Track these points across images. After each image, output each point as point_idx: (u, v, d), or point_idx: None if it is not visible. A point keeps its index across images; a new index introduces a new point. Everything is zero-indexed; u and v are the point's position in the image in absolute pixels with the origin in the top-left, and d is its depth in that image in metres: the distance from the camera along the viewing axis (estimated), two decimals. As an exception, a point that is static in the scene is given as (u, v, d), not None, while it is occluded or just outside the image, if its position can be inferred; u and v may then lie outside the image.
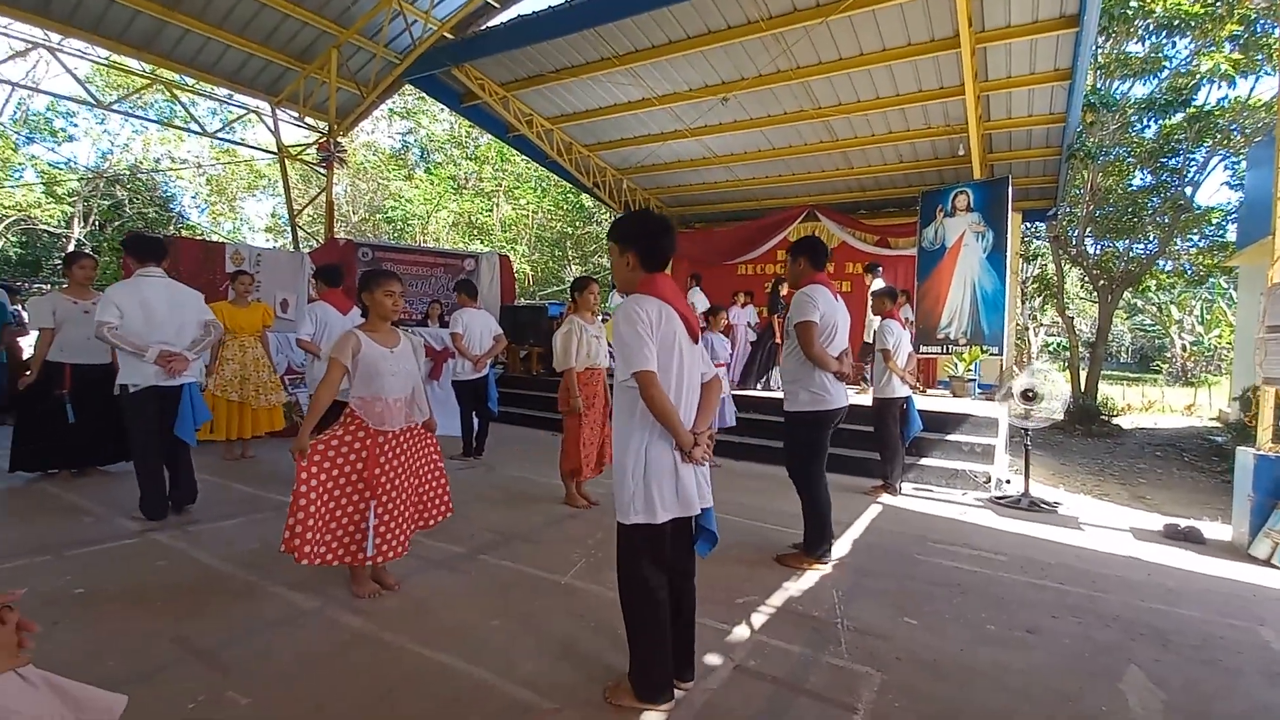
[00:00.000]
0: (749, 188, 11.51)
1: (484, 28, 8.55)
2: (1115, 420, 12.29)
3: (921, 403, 7.06)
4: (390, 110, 21.22)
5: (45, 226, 19.36)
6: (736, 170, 10.98)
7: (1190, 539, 4.34)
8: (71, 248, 19.72)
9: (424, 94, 12.70)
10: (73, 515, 3.92)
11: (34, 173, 18.50)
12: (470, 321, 5.77)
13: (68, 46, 8.74)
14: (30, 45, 8.63)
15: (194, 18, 7.93)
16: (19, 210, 18.02)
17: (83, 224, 20.14)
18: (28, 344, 8.06)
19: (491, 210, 22.06)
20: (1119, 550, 4.09)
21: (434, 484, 3.12)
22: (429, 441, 3.11)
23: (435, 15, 8.30)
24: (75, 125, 19.46)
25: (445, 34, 8.44)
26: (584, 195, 16.04)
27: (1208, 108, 11.26)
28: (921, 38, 7.18)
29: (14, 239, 19.18)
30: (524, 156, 13.40)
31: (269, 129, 10.40)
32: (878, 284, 8.03)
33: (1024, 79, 7.47)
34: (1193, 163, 11.90)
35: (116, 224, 20.66)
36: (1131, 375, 28.47)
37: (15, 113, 17.93)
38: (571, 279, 22.02)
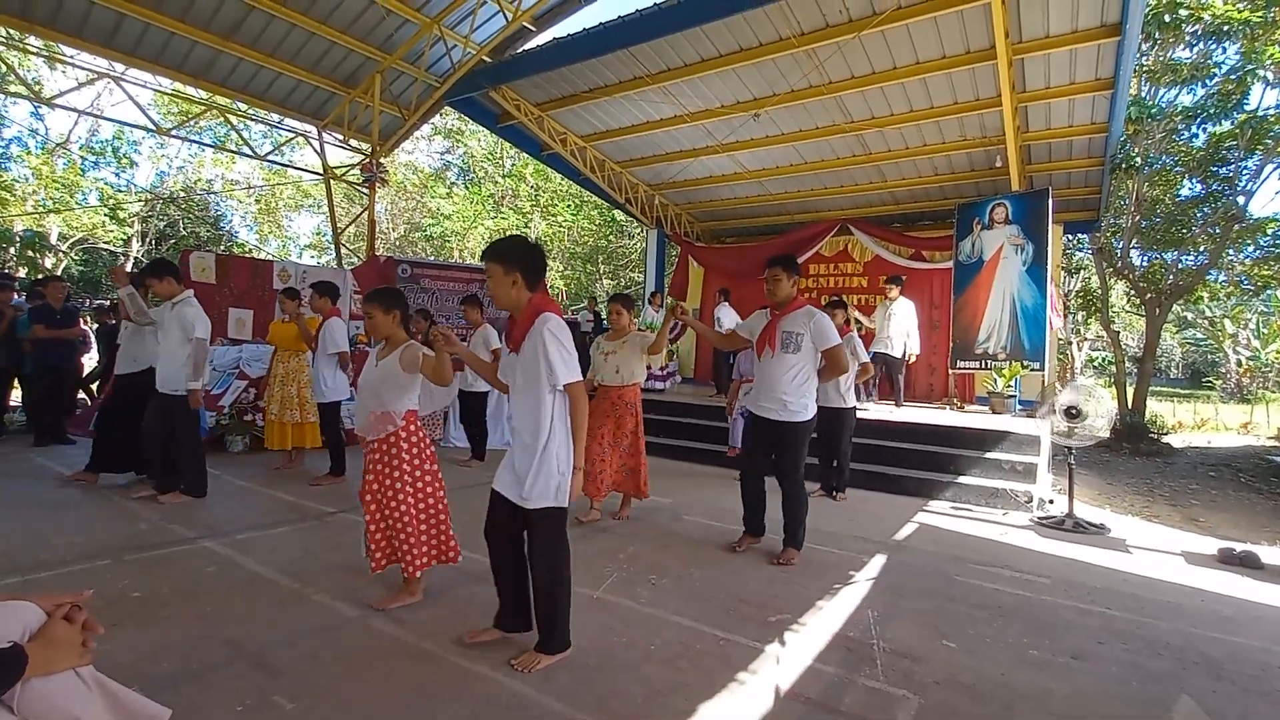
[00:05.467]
0: (781, 202, 11.49)
1: (520, 51, 8.80)
2: (1165, 438, 11.81)
3: (959, 419, 6.94)
4: (433, 129, 21.81)
5: (106, 246, 20.38)
6: (768, 185, 10.99)
7: (1247, 564, 4.15)
8: (129, 265, 20.76)
9: (463, 115, 13.06)
10: (130, 521, 4.10)
11: (97, 196, 19.54)
12: (493, 336, 6.12)
13: (130, 76, 9.27)
14: (96, 75, 9.18)
15: (248, 46, 8.35)
16: (85, 231, 19.02)
17: (141, 243, 21.18)
18: (89, 360, 8.48)
19: (527, 227, 22.42)
20: (1170, 575, 3.94)
21: (398, 514, 2.96)
22: (398, 460, 2.99)
23: (474, 40, 8.58)
24: (138, 151, 20.52)
25: (484, 58, 8.71)
26: (617, 211, 16.22)
27: (1260, 113, 10.87)
28: (957, 50, 7.12)
29: (77, 258, 20.23)
30: (559, 174, 13.64)
31: (315, 151, 10.83)
32: (898, 298, 8.02)
33: (1064, 89, 7.34)
34: (1245, 171, 11.45)
35: (171, 242, 21.70)
36: (1183, 391, 27.33)
37: (83, 139, 18.99)
38: (604, 293, 22.27)
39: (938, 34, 6.91)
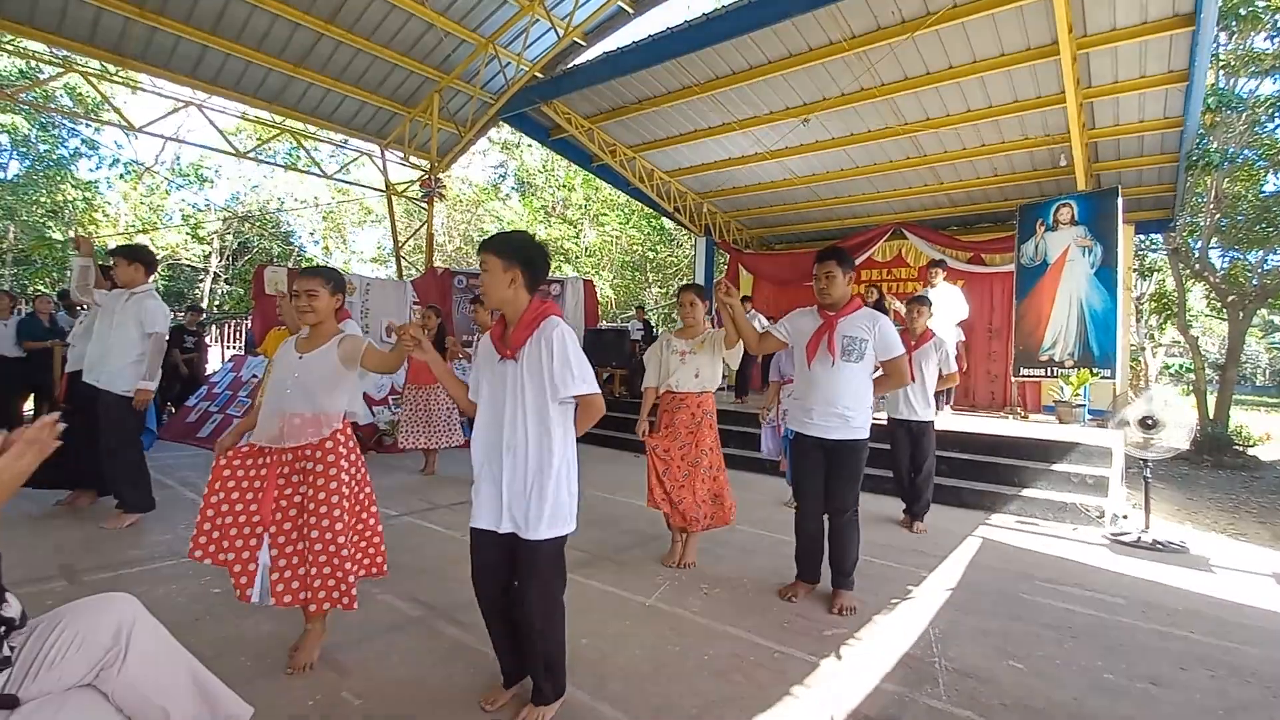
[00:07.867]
0: (832, 207, 11.33)
1: (571, 65, 8.98)
2: (1251, 450, 11.06)
3: (1023, 429, 6.66)
4: (490, 141, 22.42)
5: (188, 262, 21.82)
6: (819, 190, 10.85)
7: (1349, 588, 3.85)
8: (209, 281, 22.19)
9: (516, 130, 13.39)
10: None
11: (180, 216, 20.99)
12: None
13: (211, 104, 9.89)
14: (182, 104, 9.83)
15: (317, 72, 8.82)
16: (170, 249, 20.44)
17: (219, 258, 22.59)
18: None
19: (578, 237, 22.76)
20: (1259, 597, 3.68)
21: (325, 539, 2.38)
22: (336, 470, 2.44)
23: (526, 57, 8.82)
24: (218, 174, 21.98)
25: (536, 74, 8.94)
26: (665, 219, 16.31)
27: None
28: (1017, 46, 6.90)
29: (163, 274, 21.73)
30: (609, 184, 13.81)
31: (378, 169, 11.31)
32: (939, 285, 6.98)
33: (1133, 83, 7.00)
34: (1340, 164, 10.68)
35: (246, 257, 23.12)
36: (1271, 400, 25.50)
37: (167, 162, 20.44)
38: (653, 301, 22.34)
39: (996, 31, 6.72)
